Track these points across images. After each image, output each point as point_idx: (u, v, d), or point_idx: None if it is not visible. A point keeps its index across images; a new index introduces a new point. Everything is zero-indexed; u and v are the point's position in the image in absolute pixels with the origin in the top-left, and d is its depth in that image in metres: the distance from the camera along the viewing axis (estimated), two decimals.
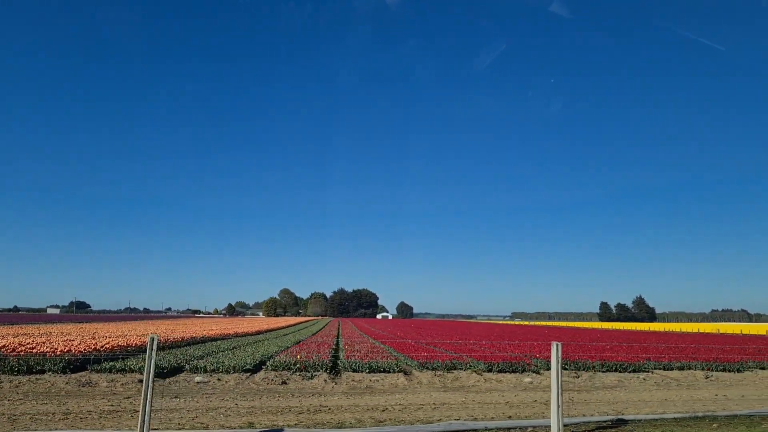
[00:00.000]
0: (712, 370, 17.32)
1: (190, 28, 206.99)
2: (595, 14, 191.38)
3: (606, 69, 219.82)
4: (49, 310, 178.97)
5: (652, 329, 78.27)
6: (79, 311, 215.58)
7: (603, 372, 16.37)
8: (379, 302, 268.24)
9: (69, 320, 74.83)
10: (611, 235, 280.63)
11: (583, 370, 16.37)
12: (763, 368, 18.46)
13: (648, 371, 16.80)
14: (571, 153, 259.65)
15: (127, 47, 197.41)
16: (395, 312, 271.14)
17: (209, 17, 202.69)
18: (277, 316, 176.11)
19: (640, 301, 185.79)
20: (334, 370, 16.60)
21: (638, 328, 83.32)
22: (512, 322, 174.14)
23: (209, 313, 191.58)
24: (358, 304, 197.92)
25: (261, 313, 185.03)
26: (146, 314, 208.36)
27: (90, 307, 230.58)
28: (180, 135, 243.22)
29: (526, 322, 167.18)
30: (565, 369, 16.42)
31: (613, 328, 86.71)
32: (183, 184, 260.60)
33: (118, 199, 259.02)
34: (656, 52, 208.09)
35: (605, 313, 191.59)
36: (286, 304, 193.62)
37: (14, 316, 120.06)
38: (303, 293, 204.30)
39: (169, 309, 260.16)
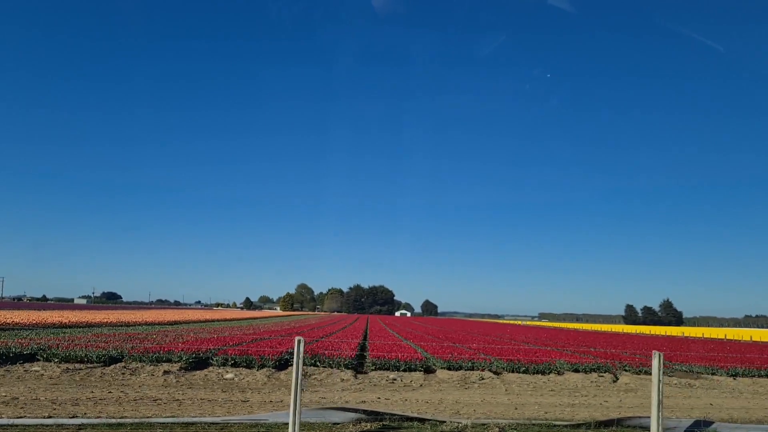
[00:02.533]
0: (513, 371, 16.20)
1: (179, 10, 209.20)
2: (595, 9, 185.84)
3: (606, 65, 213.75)
4: (77, 301, 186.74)
5: (653, 333, 74.52)
6: (109, 302, 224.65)
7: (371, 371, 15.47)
8: (404, 300, 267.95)
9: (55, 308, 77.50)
10: (643, 237, 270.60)
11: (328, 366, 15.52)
12: (577, 371, 17.08)
13: (416, 370, 15.80)
14: (590, 153, 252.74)
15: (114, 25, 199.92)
16: (419, 310, 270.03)
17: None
18: (294, 310, 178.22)
19: (667, 305, 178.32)
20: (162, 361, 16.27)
21: (639, 332, 79.44)
22: (535, 323, 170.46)
23: (228, 306, 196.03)
24: (373, 301, 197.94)
25: (278, 308, 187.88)
26: (169, 305, 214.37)
27: (121, 298, 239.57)
28: (186, 123, 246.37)
29: (551, 323, 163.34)
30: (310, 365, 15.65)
31: (600, 330, 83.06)
32: (214, 179, 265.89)
33: (155, 194, 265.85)
34: (656, 50, 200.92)
35: (630, 315, 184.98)
36: (303, 299, 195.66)
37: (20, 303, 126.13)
38: (323, 288, 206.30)
39: (199, 302, 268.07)
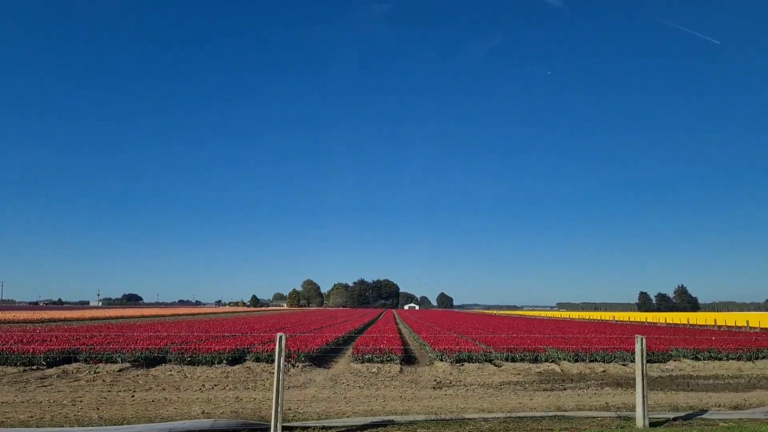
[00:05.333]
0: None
1: (180, 13, 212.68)
2: (590, 5, 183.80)
3: (601, 61, 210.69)
4: (92, 303, 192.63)
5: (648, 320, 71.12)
6: (130, 303, 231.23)
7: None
8: (420, 294, 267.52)
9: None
10: (661, 223, 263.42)
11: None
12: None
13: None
14: (604, 144, 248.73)
15: (116, 32, 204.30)
16: (435, 303, 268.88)
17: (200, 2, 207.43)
18: (300, 306, 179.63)
19: (681, 291, 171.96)
20: None
21: (632, 319, 75.91)
22: (548, 313, 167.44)
23: (236, 304, 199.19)
24: (378, 295, 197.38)
25: (285, 305, 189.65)
26: (191, 305, 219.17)
27: (142, 299, 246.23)
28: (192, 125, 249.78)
29: (551, 313, 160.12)
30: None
31: (578, 318, 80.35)
32: (221, 182, 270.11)
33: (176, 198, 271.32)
34: (650, 44, 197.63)
35: (644, 303, 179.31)
36: (309, 295, 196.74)
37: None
38: (331, 284, 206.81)
39: (219, 301, 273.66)
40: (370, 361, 17.16)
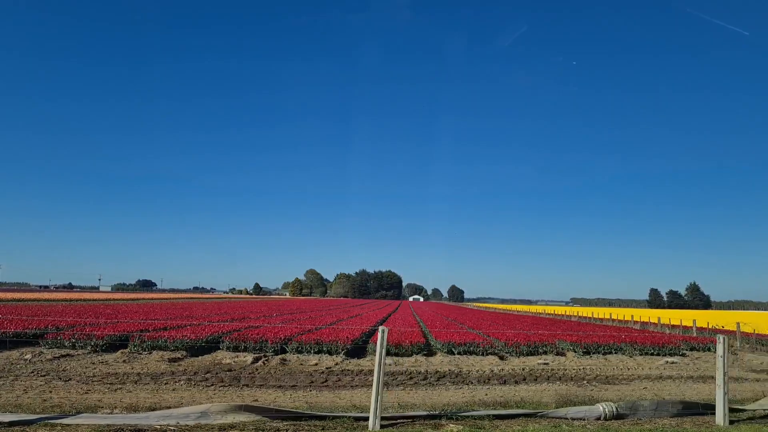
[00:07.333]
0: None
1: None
2: None
3: (626, 52, 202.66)
4: (102, 288, 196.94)
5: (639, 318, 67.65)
6: (144, 289, 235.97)
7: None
8: (430, 286, 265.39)
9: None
10: (678, 220, 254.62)
11: None
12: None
13: None
14: (615, 138, 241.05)
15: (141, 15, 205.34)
16: (446, 296, 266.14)
17: None
18: (303, 296, 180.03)
19: (693, 288, 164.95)
20: None
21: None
22: (557, 309, 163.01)
23: (241, 291, 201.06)
24: (379, 286, 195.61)
25: (287, 293, 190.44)
26: (206, 292, 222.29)
27: (156, 285, 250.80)
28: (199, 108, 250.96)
29: (564, 308, 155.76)
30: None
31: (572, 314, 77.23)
32: (242, 170, 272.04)
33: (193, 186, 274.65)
34: (678, 36, 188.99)
35: (655, 299, 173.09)
36: (311, 284, 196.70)
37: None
38: (336, 273, 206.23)
39: (233, 288, 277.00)
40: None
